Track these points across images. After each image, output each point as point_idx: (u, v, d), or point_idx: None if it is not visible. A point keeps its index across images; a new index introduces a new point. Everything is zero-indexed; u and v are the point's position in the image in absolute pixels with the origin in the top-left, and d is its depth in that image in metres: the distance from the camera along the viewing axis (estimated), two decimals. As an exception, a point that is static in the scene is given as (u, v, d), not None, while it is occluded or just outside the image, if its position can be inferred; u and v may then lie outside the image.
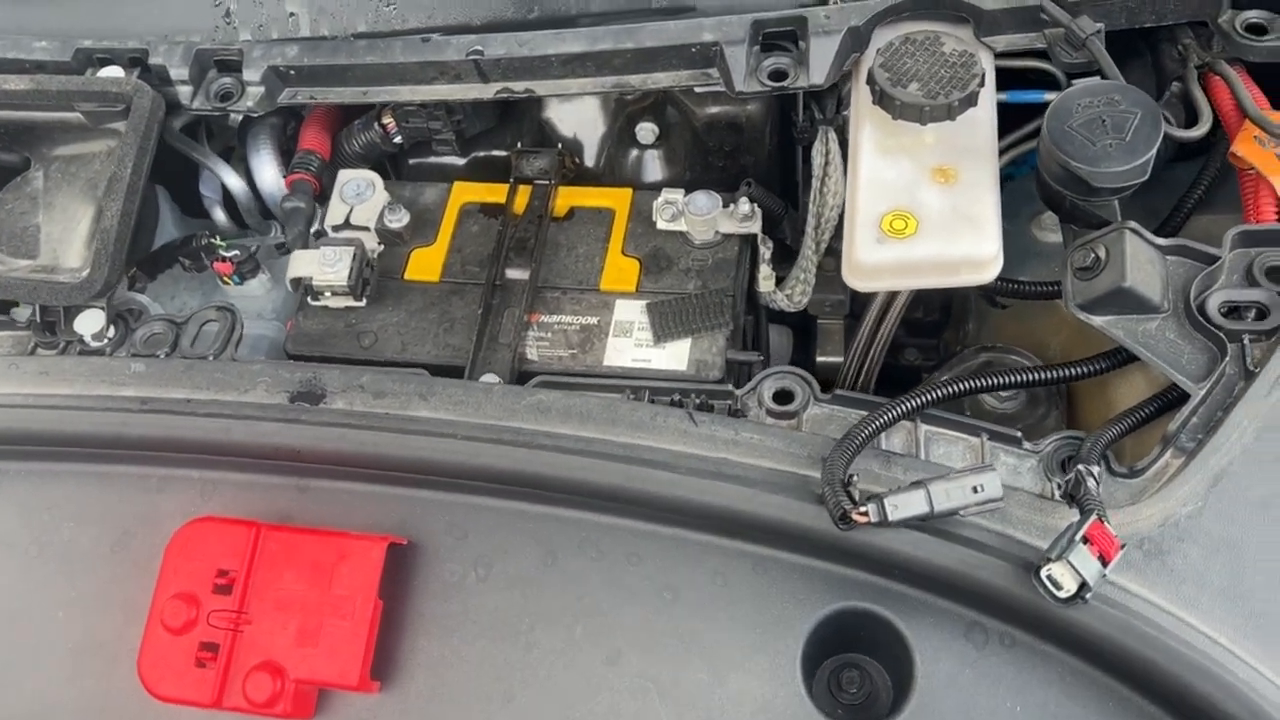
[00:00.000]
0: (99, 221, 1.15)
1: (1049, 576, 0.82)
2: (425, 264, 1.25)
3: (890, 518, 0.84)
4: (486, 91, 1.17)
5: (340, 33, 1.23)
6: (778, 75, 1.12)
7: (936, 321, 1.53)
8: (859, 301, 1.46)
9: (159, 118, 1.17)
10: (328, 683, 0.94)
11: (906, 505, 0.85)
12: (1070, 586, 0.81)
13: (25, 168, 1.32)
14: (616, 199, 1.27)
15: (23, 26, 1.29)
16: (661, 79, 1.15)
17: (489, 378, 1.13)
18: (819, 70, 1.11)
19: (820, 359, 1.44)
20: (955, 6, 1.11)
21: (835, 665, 0.97)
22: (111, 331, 1.14)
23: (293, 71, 1.18)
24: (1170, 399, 0.99)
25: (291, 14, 1.24)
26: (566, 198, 1.28)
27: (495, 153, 1.36)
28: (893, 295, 1.25)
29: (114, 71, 1.21)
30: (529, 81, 1.16)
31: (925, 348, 1.54)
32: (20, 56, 1.23)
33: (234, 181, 1.32)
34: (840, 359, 1.40)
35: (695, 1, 1.19)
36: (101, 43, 1.23)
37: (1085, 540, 0.82)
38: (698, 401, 1.05)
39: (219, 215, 1.38)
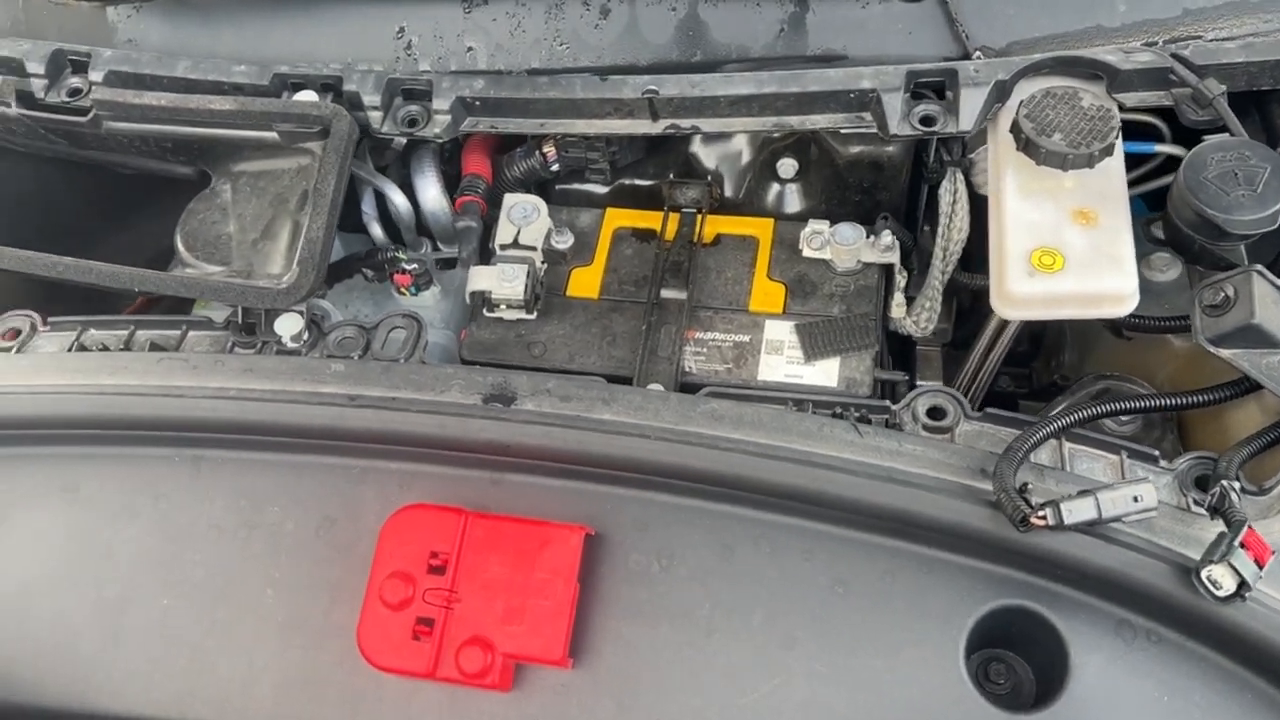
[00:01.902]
0: (298, 232, 1.25)
1: (1209, 577, 0.92)
2: (585, 282, 1.35)
3: (1066, 522, 0.94)
4: (655, 127, 1.27)
5: (515, 68, 1.34)
6: (928, 121, 1.22)
7: (1027, 352, 1.64)
8: (960, 332, 1.58)
9: (354, 140, 1.27)
10: (532, 657, 1.03)
11: (1079, 511, 0.95)
12: (1230, 586, 0.91)
13: (201, 181, 1.43)
14: (759, 227, 1.38)
15: (215, 50, 1.39)
16: (819, 120, 1.26)
17: (654, 387, 1.23)
18: (967, 118, 1.22)
19: (919, 383, 1.54)
20: (1093, 65, 1.22)
21: (982, 659, 1.07)
22: (307, 334, 1.23)
23: (478, 103, 1.29)
24: None
25: (470, 49, 1.35)
26: (713, 225, 1.39)
27: (639, 182, 1.47)
28: (1003, 326, 1.36)
29: (309, 95, 1.31)
30: (696, 119, 1.26)
31: (1016, 376, 1.65)
32: (221, 79, 1.33)
33: (401, 200, 1.42)
34: (938, 383, 1.50)
35: (845, 51, 1.30)
36: (297, 69, 1.33)
37: (1242, 545, 0.92)
38: (857, 415, 1.15)
39: (376, 230, 1.48)
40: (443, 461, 1.13)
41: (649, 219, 1.40)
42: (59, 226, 1.59)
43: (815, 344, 1.26)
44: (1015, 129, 1.20)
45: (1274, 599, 0.96)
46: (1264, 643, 0.94)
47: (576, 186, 1.48)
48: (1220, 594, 0.91)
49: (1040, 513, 0.95)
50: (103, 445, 1.18)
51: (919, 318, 1.36)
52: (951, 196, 1.34)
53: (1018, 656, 1.06)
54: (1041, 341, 1.62)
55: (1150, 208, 1.42)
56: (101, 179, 1.61)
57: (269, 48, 1.39)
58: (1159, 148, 1.33)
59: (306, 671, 1.08)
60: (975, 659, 1.06)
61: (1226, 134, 1.18)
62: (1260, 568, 0.91)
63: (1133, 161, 1.33)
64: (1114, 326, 1.28)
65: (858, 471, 1.05)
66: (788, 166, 1.40)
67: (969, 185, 1.35)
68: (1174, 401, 1.14)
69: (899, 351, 1.57)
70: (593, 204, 1.46)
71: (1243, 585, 0.90)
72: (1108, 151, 1.19)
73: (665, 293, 1.32)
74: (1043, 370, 1.62)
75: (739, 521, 1.08)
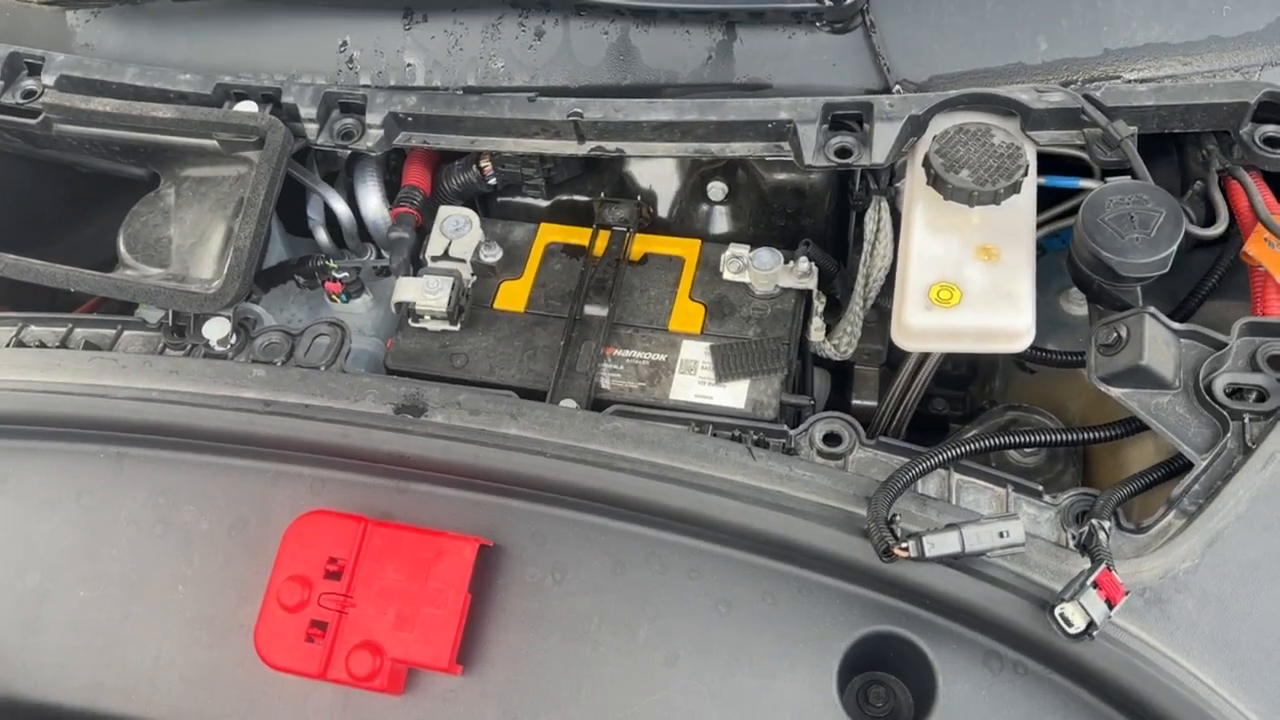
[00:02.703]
0: (231, 240, 1.29)
1: (1061, 614, 0.95)
2: (512, 295, 1.39)
3: (927, 554, 0.97)
4: (581, 149, 1.31)
5: (451, 84, 1.37)
6: (843, 153, 1.25)
7: (964, 376, 1.67)
8: (895, 352, 1.60)
9: (289, 150, 1.31)
10: (420, 663, 1.07)
11: (942, 544, 0.98)
12: (1080, 624, 0.94)
13: (154, 183, 1.47)
14: (686, 248, 1.41)
15: (167, 57, 1.43)
16: (738, 148, 1.29)
17: (567, 403, 1.26)
18: (881, 150, 1.24)
19: (856, 402, 1.57)
20: (1005, 103, 1.25)
21: (863, 681, 1.10)
22: (234, 338, 1.27)
23: (410, 118, 1.32)
24: (1176, 466, 1.11)
25: (409, 64, 1.39)
26: (641, 244, 1.42)
27: (577, 198, 1.50)
28: (924, 356, 1.39)
29: (249, 106, 1.35)
30: (620, 142, 1.30)
31: (952, 399, 1.67)
32: (166, 87, 1.37)
33: (341, 208, 1.46)
34: (874, 403, 1.53)
35: (771, 80, 1.33)
36: (239, 80, 1.37)
37: (1095, 585, 0.94)
38: (755, 438, 1.18)
39: (321, 236, 1.52)
40: (352, 469, 1.17)
41: (581, 235, 1.43)
42: (22, 222, 1.63)
43: (727, 365, 1.29)
44: (925, 163, 1.23)
45: (1136, 634, 0.98)
46: (1115, 683, 0.96)
47: (517, 200, 1.52)
48: (1071, 631, 0.94)
49: (903, 545, 0.98)
50: (31, 439, 1.23)
51: (839, 341, 1.39)
52: (875, 225, 1.36)
53: (898, 680, 1.10)
54: (977, 368, 1.65)
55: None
56: (64, 177, 1.65)
57: (219, 55, 1.43)
58: (1084, 183, 1.35)
59: (211, 668, 1.13)
60: (857, 681, 1.09)
61: (1131, 176, 1.20)
62: (1111, 607, 0.94)
63: (1060, 195, 1.35)
64: (1018, 360, 1.31)
65: (745, 497, 1.08)
66: (717, 189, 1.43)
67: (894, 214, 1.37)
68: (1062, 437, 1.17)
69: (838, 372, 1.60)
70: (532, 218, 1.49)
71: (1091, 625, 0.93)
72: (1014, 189, 1.21)
73: (588, 309, 1.35)
74: (978, 394, 1.65)
75: (631, 539, 1.12)
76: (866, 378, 1.60)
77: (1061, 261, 1.29)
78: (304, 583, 1.09)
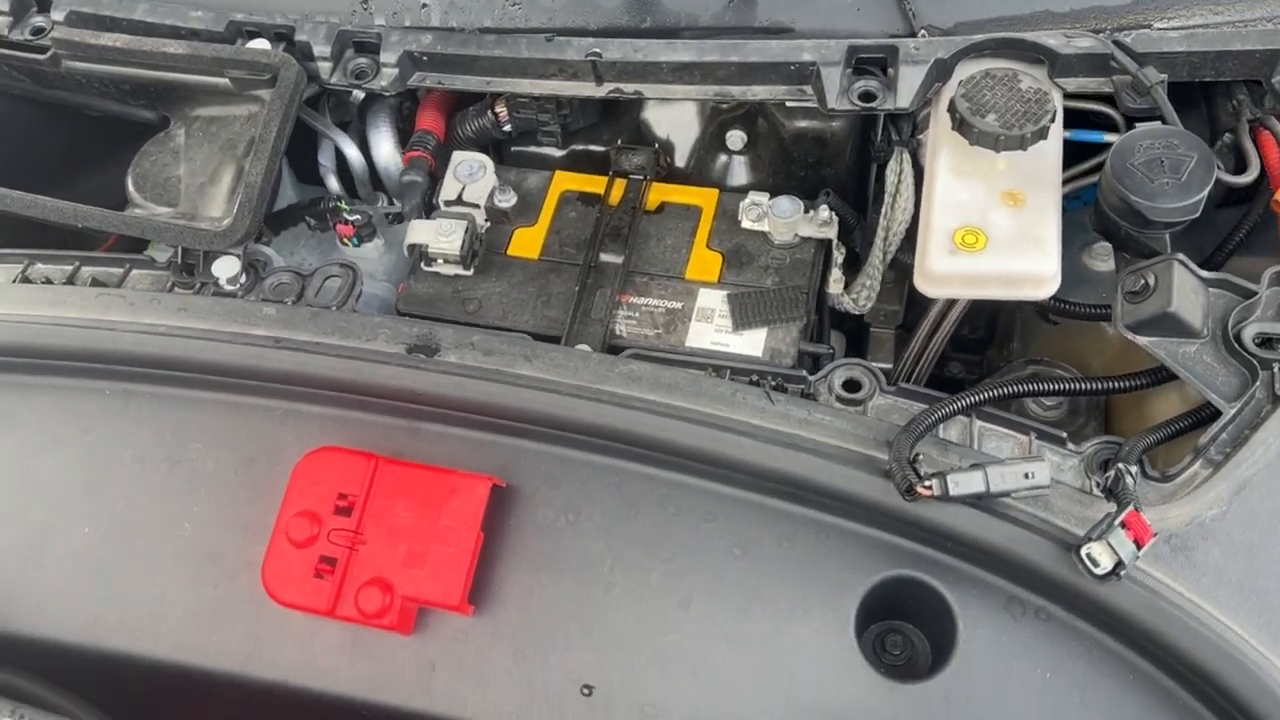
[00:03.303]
0: (241, 178, 1.26)
1: (1088, 554, 0.93)
2: (526, 242, 1.37)
3: (951, 493, 0.95)
4: (599, 90, 1.28)
5: (467, 25, 1.35)
6: (867, 97, 1.23)
7: (981, 339, 1.65)
8: (911, 313, 1.58)
9: (301, 89, 1.29)
10: (430, 601, 1.05)
11: (966, 483, 0.96)
12: (1107, 564, 0.92)
13: (162, 125, 1.45)
14: (704, 197, 1.39)
15: (178, -5, 1.41)
16: (760, 92, 1.26)
17: (582, 347, 1.24)
18: (905, 95, 1.22)
19: (871, 364, 1.54)
20: (1033, 48, 1.22)
21: (880, 630, 1.08)
22: (244, 278, 1.25)
23: (425, 57, 1.30)
24: (1203, 415, 1.09)
25: (424, 4, 1.36)
26: (658, 193, 1.40)
27: (592, 147, 1.48)
28: (948, 308, 1.37)
29: (261, 44, 1.33)
30: (639, 84, 1.27)
31: (969, 362, 1.65)
32: (177, 24, 1.35)
33: (354, 153, 1.44)
34: (890, 365, 1.50)
35: (793, 24, 1.31)
36: (251, 17, 1.35)
37: (1123, 525, 0.92)
38: (773, 383, 1.16)
39: (332, 183, 1.50)
40: (363, 408, 1.15)
41: (597, 183, 1.41)
42: (32, 165, 1.61)
43: (745, 314, 1.27)
44: (951, 108, 1.21)
45: (1160, 580, 0.97)
46: (1141, 626, 0.95)
47: (531, 149, 1.49)
48: (1097, 571, 0.92)
49: (927, 483, 0.96)
50: (37, 375, 1.21)
51: (858, 295, 1.37)
52: (896, 176, 1.34)
53: (915, 629, 1.08)
54: (995, 327, 1.63)
55: (1099, 199, 1.42)
56: (73, 121, 1.63)
57: (230, -5, 1.40)
58: (1109, 137, 1.33)
59: (216, 605, 1.11)
60: (873, 630, 1.07)
61: (1161, 122, 1.18)
62: (1139, 548, 0.92)
63: (1085, 151, 1.33)
64: (1041, 311, 1.29)
65: (763, 437, 1.07)
66: (736, 138, 1.41)
67: (917, 167, 1.35)
68: (1085, 386, 1.15)
69: (853, 334, 1.58)
70: (546, 166, 1.47)
71: (1119, 564, 0.91)
72: (1041, 134, 1.19)
73: (604, 256, 1.33)
74: (995, 357, 1.63)
75: (646, 481, 1.10)
76: (882, 339, 1.58)
77: (1084, 219, 1.27)
78: (313, 518, 1.07)
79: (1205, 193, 1.09)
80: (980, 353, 1.65)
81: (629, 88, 1.28)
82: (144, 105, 1.46)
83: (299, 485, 1.08)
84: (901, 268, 1.42)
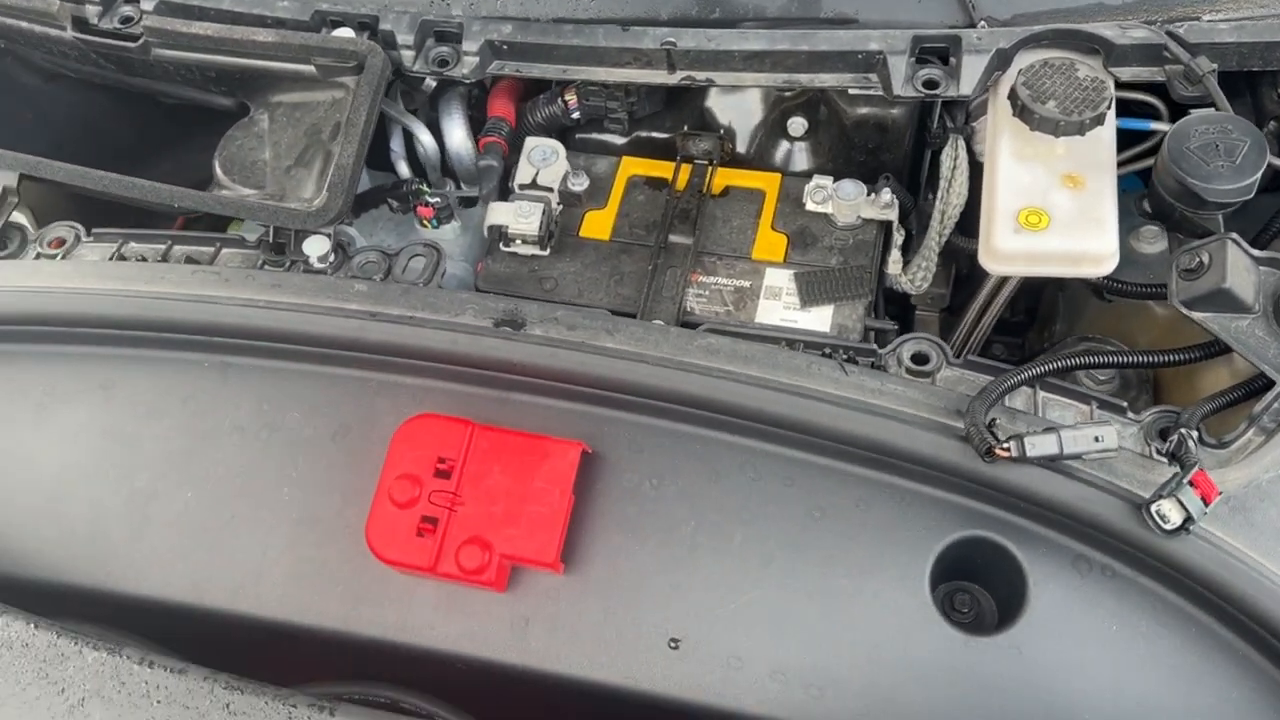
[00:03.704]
0: (330, 161, 1.32)
1: (1158, 511, 0.99)
2: (598, 224, 1.42)
3: (1028, 454, 1.01)
4: (672, 78, 1.34)
5: (542, 16, 1.40)
6: (931, 84, 1.29)
7: (1021, 322, 1.71)
8: (957, 297, 1.64)
9: (386, 76, 1.35)
10: (525, 559, 1.10)
11: (1041, 445, 1.01)
12: (1176, 520, 0.98)
13: (240, 112, 1.51)
14: (767, 181, 1.45)
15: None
16: (827, 79, 1.32)
17: (657, 322, 1.30)
18: (968, 83, 1.28)
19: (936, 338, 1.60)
20: (1090, 39, 1.28)
21: (948, 589, 1.13)
22: (333, 256, 1.31)
23: (506, 46, 1.36)
24: (1256, 386, 1.14)
25: (501, -3, 1.42)
26: (723, 177, 1.46)
27: (655, 134, 1.53)
28: (999, 288, 1.43)
29: (346, 32, 1.38)
30: (711, 72, 1.33)
31: (1010, 345, 1.71)
32: (264, 13, 1.41)
33: (428, 139, 1.49)
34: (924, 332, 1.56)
35: (857, 15, 1.36)
36: (336, 6, 1.40)
37: (1191, 484, 0.98)
38: (845, 356, 1.21)
39: (403, 168, 1.55)
40: (455, 379, 1.21)
41: (662, 168, 1.47)
42: (105, 150, 1.66)
43: (812, 292, 1.33)
44: (1012, 95, 1.26)
45: (1220, 539, 1.02)
46: (1208, 578, 1.00)
47: (595, 136, 1.55)
48: (1167, 527, 0.98)
49: (1004, 445, 1.01)
50: (137, 348, 1.26)
51: (915, 276, 1.43)
52: (952, 162, 1.40)
53: (982, 589, 1.13)
54: (1036, 313, 1.69)
55: (1145, 185, 1.47)
56: (147, 108, 1.68)
57: (312, -14, 1.46)
58: (1155, 125, 1.39)
59: (315, 565, 1.16)
60: (942, 590, 1.13)
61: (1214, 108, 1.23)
62: (1206, 504, 0.98)
63: (1130, 139, 1.39)
64: (1096, 289, 1.34)
65: (841, 404, 1.12)
66: (797, 125, 1.47)
67: (970, 153, 1.41)
68: (1143, 359, 1.21)
69: (899, 317, 1.64)
70: (610, 152, 1.53)
71: (1188, 520, 0.97)
72: (1098, 121, 1.25)
73: (673, 237, 1.39)
74: (1036, 340, 1.69)
75: (727, 448, 1.15)
76: (927, 322, 1.64)
77: (1129, 204, 1.33)
78: (414, 480, 1.12)
79: (1258, 175, 1.15)
80: (1021, 335, 1.71)
81: (701, 75, 1.34)
82: (224, 92, 1.52)
83: (400, 449, 1.14)
84: (949, 252, 1.48)
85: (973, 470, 1.06)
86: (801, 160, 1.50)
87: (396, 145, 1.54)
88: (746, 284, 1.35)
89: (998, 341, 1.70)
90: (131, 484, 1.22)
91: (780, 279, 1.35)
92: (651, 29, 1.33)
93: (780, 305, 1.33)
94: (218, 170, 1.40)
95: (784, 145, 1.50)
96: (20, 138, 1.55)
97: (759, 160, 1.51)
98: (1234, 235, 1.17)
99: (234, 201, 1.32)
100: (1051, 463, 1.04)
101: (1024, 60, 1.30)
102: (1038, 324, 1.68)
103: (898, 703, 1.05)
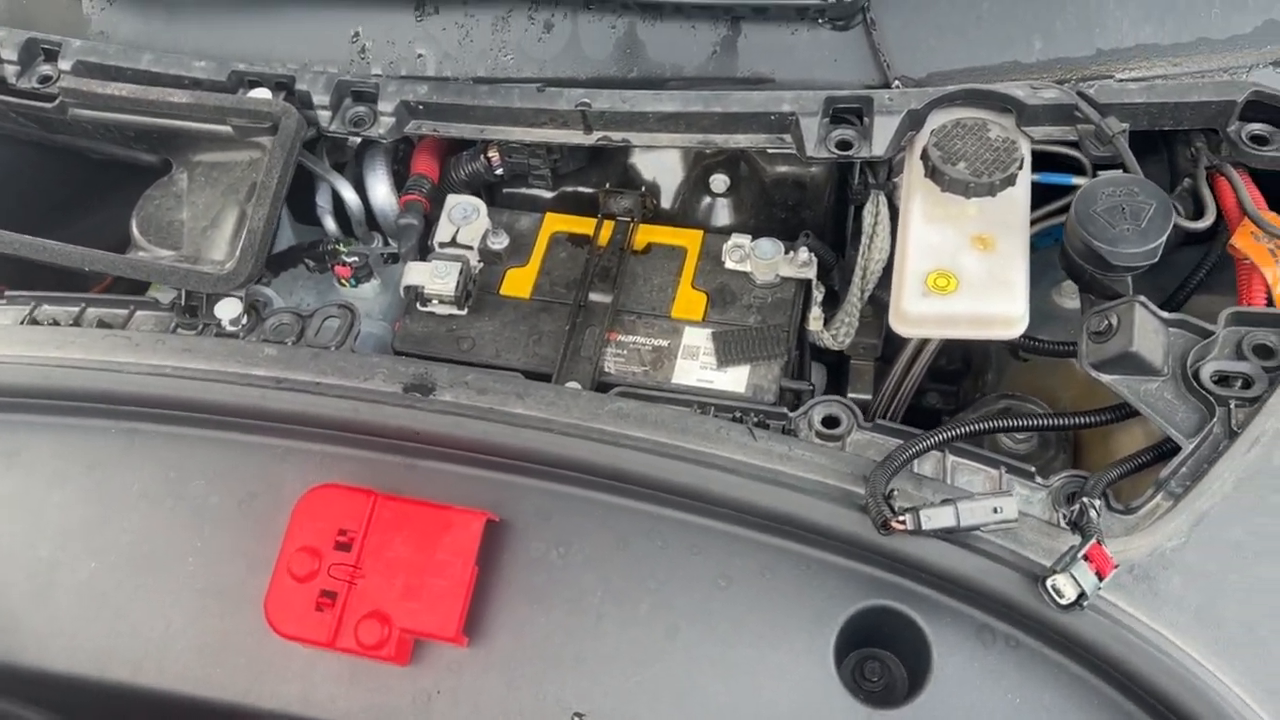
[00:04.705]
0: (244, 222, 1.31)
1: (1053, 585, 0.98)
2: (518, 282, 1.42)
3: (923, 527, 1.00)
4: (588, 139, 1.34)
5: (461, 75, 1.40)
6: (844, 145, 1.29)
7: (957, 370, 1.71)
8: (890, 346, 1.63)
9: (301, 137, 1.34)
10: (426, 633, 1.09)
11: (937, 518, 1.01)
12: (1070, 595, 0.97)
13: (164, 169, 1.50)
14: (689, 239, 1.44)
15: (181, 45, 1.47)
16: (741, 140, 1.32)
17: (572, 385, 1.29)
18: (880, 143, 1.28)
19: (851, 395, 1.60)
20: (1002, 99, 1.29)
21: (859, 657, 1.12)
22: (245, 319, 1.30)
23: (421, 106, 1.36)
24: (1164, 450, 1.14)
25: (420, 55, 1.42)
26: (645, 234, 1.45)
27: (581, 189, 1.54)
28: (924, 343, 1.43)
29: (263, 93, 1.38)
30: (627, 132, 1.33)
31: (945, 393, 1.71)
32: (181, 73, 1.41)
33: (351, 196, 1.49)
34: (869, 396, 1.56)
35: (773, 75, 1.37)
36: (253, 67, 1.40)
37: (1085, 558, 0.98)
38: (756, 419, 1.21)
39: (329, 224, 1.55)
40: (362, 445, 1.20)
41: (586, 225, 1.47)
42: (34, 205, 1.66)
43: (729, 351, 1.32)
44: (924, 156, 1.26)
45: (1123, 609, 1.02)
46: (1104, 653, 1.00)
47: (523, 191, 1.55)
48: (1062, 602, 0.97)
49: (900, 518, 1.01)
50: (44, 414, 1.26)
51: (837, 332, 1.42)
52: (873, 218, 1.40)
53: (893, 655, 1.12)
54: (970, 361, 1.68)
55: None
56: (74, 163, 1.68)
57: (232, 45, 1.46)
58: (1076, 180, 1.39)
59: (219, 636, 1.15)
60: (852, 657, 1.12)
61: (1122, 170, 1.24)
62: (1100, 579, 0.97)
63: (1054, 191, 1.39)
64: (1012, 349, 1.34)
65: (746, 473, 1.12)
66: (719, 182, 1.47)
67: (892, 209, 1.41)
68: (1053, 422, 1.20)
69: (834, 365, 1.64)
70: (537, 208, 1.53)
71: (1082, 595, 0.96)
72: (1009, 181, 1.25)
73: (593, 296, 1.38)
74: (971, 389, 1.68)
75: (634, 515, 1.14)
76: (862, 371, 1.64)
77: (1053, 257, 1.33)
78: (314, 553, 1.11)
79: (1163, 239, 1.15)
80: (957, 384, 1.71)
81: (617, 135, 1.34)
82: (146, 149, 1.51)
83: (300, 521, 1.13)
84: (879, 303, 1.47)
85: (874, 542, 1.05)
86: (724, 216, 1.50)
87: (323, 200, 1.54)
88: (665, 343, 1.35)
89: (933, 389, 1.70)
90: (35, 553, 1.21)
91: (698, 338, 1.35)
92: (567, 90, 1.33)
93: (697, 365, 1.32)
94: (135, 230, 1.39)
95: (707, 201, 1.50)
96: (-60, 196, 1.54)
97: (683, 216, 1.51)
98: (1141, 298, 1.17)
99: (145, 264, 1.31)
100: (949, 535, 1.03)
101: (937, 120, 1.30)
102: (971, 373, 1.67)
103: (800, 779, 1.04)
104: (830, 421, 1.20)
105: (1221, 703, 0.98)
